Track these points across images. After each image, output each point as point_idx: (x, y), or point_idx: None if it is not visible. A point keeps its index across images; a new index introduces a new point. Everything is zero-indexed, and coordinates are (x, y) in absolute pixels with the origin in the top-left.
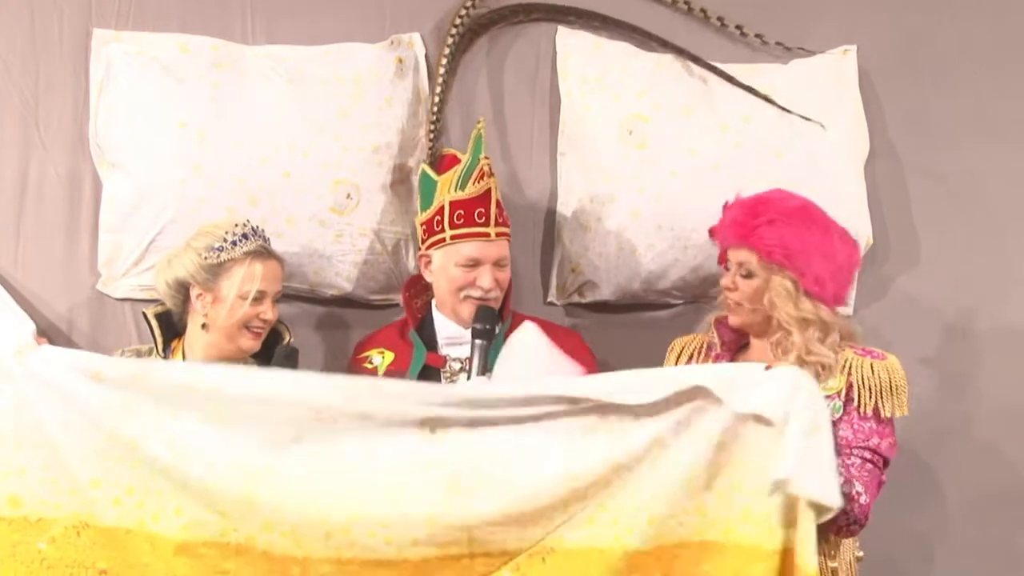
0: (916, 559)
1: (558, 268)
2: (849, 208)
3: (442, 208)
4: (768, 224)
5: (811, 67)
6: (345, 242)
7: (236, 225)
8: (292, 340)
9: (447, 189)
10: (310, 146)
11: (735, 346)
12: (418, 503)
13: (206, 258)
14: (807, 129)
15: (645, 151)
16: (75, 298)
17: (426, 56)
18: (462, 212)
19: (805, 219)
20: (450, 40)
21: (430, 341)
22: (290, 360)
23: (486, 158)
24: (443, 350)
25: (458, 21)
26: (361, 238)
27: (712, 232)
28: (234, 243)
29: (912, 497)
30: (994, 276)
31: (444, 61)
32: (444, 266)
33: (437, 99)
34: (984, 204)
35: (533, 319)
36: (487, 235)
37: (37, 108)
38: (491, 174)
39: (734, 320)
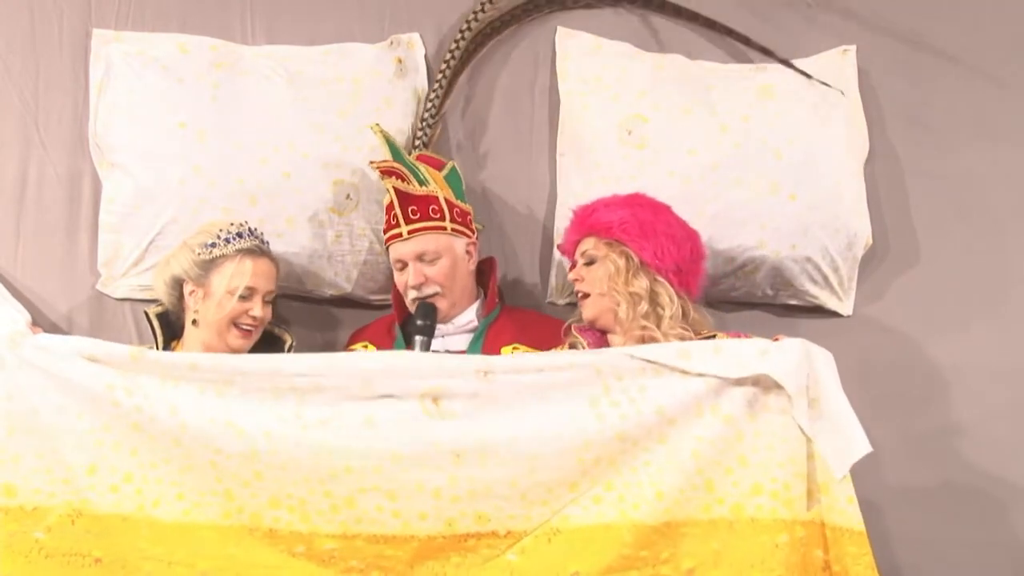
0: (914, 558)
1: (558, 268)
2: (849, 208)
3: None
4: (604, 208)
5: (811, 67)
6: (345, 242)
7: (232, 224)
8: (294, 344)
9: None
10: (310, 146)
11: (598, 347)
12: (423, 474)
13: (199, 254)
14: (807, 129)
15: (644, 151)
16: (75, 298)
17: (425, 56)
18: (387, 217)
19: (637, 201)
20: (453, 45)
21: (412, 335)
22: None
23: (381, 163)
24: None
25: (464, 26)
26: (361, 238)
27: (560, 247)
28: (227, 240)
29: (912, 497)
30: (994, 276)
31: (443, 67)
32: (394, 273)
33: (431, 104)
34: (984, 204)
35: (527, 311)
36: (399, 235)
37: (37, 108)
38: (390, 174)
39: (587, 314)
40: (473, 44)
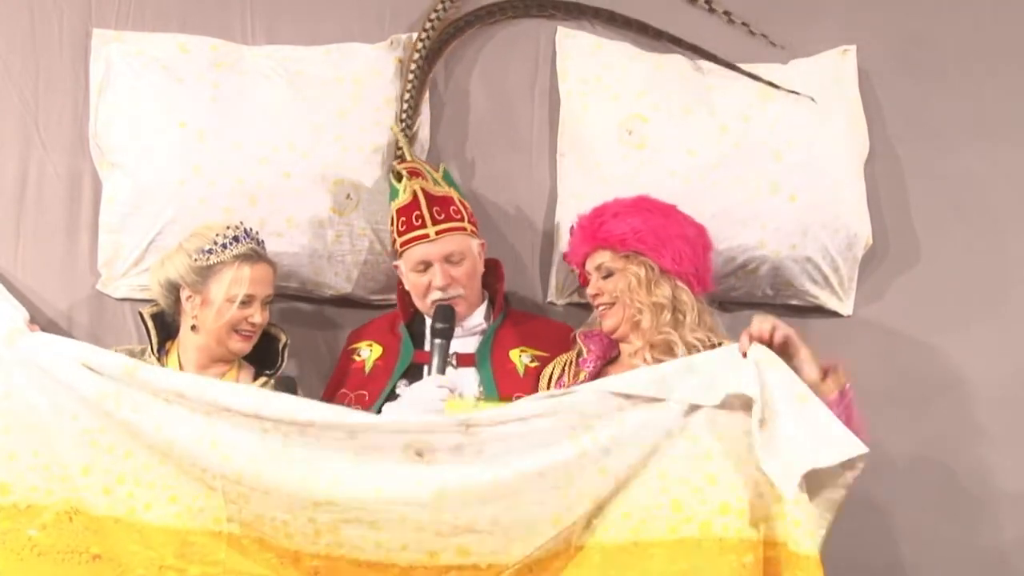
0: (915, 557)
1: (558, 268)
2: (849, 208)
3: (392, 218)
4: (613, 218)
5: (811, 67)
6: (345, 242)
7: (228, 227)
8: (289, 342)
9: (393, 199)
10: (310, 146)
11: (605, 354)
12: (407, 509)
13: (196, 260)
14: (807, 129)
15: (644, 151)
16: (75, 298)
17: None
18: (404, 219)
19: (646, 206)
20: (420, 44)
21: (419, 335)
22: (288, 390)
23: (407, 161)
24: (429, 346)
25: (427, 25)
26: (361, 238)
27: (566, 257)
28: (224, 246)
29: (912, 496)
30: (994, 276)
31: (414, 67)
32: (406, 274)
33: (406, 105)
34: (984, 204)
35: (533, 315)
36: (426, 236)
37: (37, 108)
38: (416, 175)
39: (609, 324)
40: (438, 43)
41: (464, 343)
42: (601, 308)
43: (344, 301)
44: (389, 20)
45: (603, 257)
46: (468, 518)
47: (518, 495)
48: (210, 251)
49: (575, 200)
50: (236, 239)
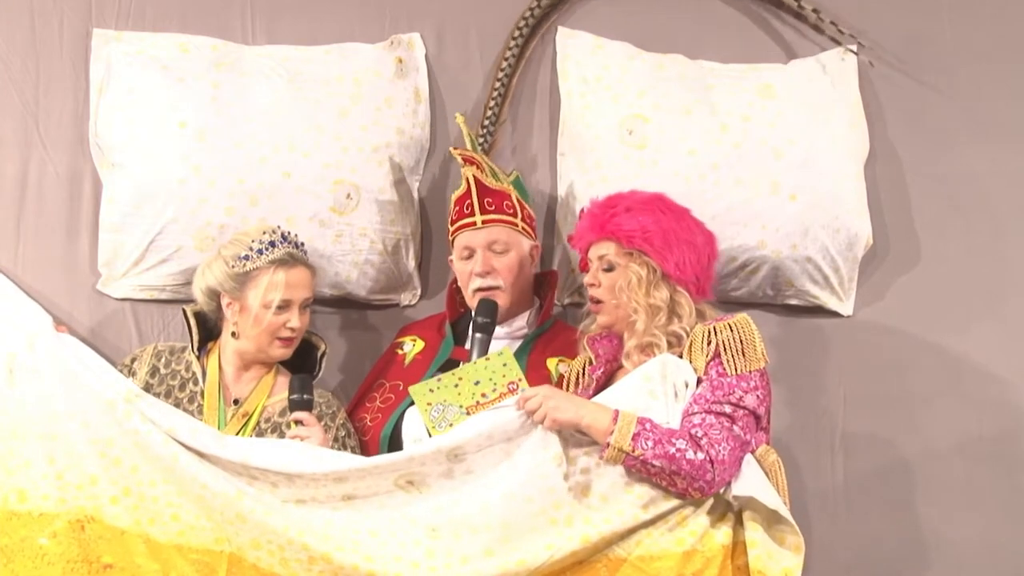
0: (917, 558)
1: (558, 268)
2: (849, 208)
3: (450, 210)
4: (625, 212)
5: (811, 67)
6: (345, 242)
7: (264, 233)
8: (327, 350)
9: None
10: (310, 146)
11: (612, 358)
12: (402, 549)
13: (233, 267)
14: (807, 129)
15: (645, 151)
16: (75, 298)
17: (426, 56)
18: (458, 208)
19: (660, 206)
20: (512, 43)
21: (462, 333)
22: (304, 388)
23: (463, 151)
24: (469, 343)
25: (522, 23)
26: (361, 238)
27: (571, 239)
28: (260, 252)
29: (912, 496)
30: (994, 276)
31: (505, 64)
32: (455, 264)
33: (491, 112)
34: (984, 204)
35: (569, 327)
36: (473, 223)
37: (37, 108)
38: (469, 162)
39: (602, 320)
40: (524, 41)
41: (503, 345)
42: (592, 301)
43: (344, 301)
44: (389, 20)
45: (607, 249)
46: (462, 553)
47: (508, 525)
48: (246, 257)
49: (575, 200)
50: (272, 244)
